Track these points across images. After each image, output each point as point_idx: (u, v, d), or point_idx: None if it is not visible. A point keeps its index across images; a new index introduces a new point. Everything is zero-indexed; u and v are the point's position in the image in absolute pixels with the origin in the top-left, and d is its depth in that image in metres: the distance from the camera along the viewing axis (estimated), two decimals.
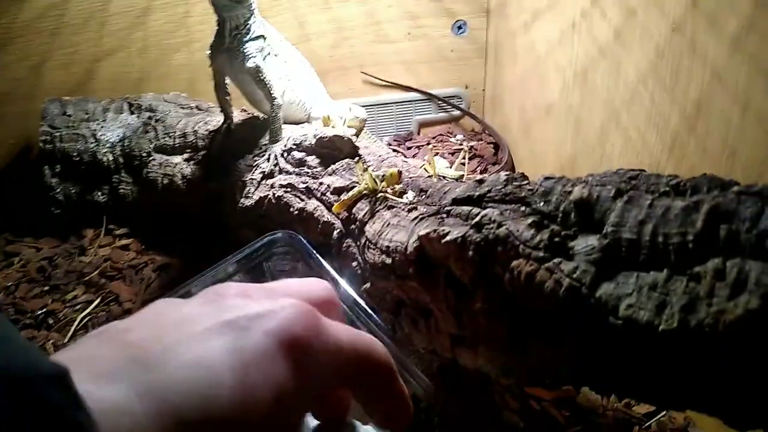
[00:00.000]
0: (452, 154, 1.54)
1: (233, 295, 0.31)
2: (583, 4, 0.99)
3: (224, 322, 0.27)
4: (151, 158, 1.15)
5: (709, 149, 0.71)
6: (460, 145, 1.58)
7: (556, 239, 0.53)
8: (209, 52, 0.99)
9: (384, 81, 1.57)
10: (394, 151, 1.53)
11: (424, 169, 0.80)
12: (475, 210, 0.64)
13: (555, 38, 1.12)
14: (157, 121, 1.19)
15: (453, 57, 1.57)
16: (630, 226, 0.50)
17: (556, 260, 0.52)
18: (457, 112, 1.64)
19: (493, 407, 0.81)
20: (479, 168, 1.47)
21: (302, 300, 0.30)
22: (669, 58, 0.77)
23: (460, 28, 1.54)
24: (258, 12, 0.98)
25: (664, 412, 0.85)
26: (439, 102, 1.62)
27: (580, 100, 1.03)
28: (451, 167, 0.97)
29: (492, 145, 1.55)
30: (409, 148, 1.59)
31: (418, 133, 1.66)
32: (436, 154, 0.84)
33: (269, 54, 0.99)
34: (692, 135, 0.74)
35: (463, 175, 0.94)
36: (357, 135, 1.09)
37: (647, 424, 0.83)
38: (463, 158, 0.87)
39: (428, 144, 1.59)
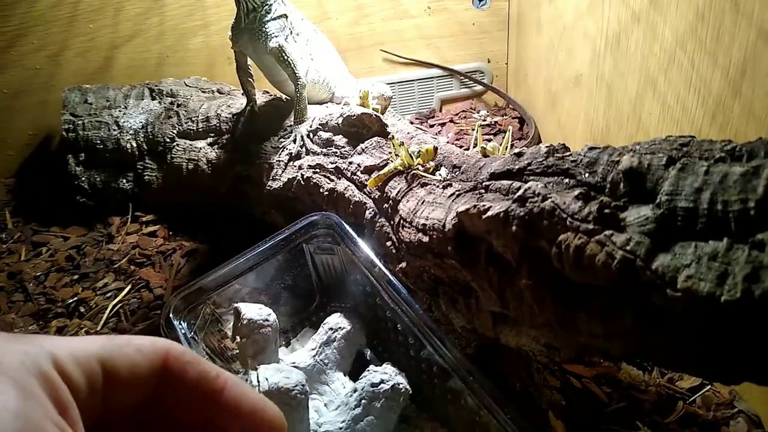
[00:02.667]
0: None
1: None
2: None
3: None
4: (174, 143, 1.14)
5: (756, 113, 0.68)
6: (484, 120, 1.55)
7: (606, 211, 0.51)
8: (231, 34, 0.97)
9: (404, 58, 1.54)
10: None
11: (473, 144, 0.78)
12: (516, 184, 0.62)
13: (583, 6, 1.08)
14: (179, 106, 1.18)
15: (474, 31, 1.54)
16: (686, 195, 0.48)
17: (607, 233, 0.50)
18: (479, 88, 1.61)
19: (534, 386, 0.80)
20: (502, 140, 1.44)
21: None
22: (710, 19, 0.74)
23: (481, 0, 1.50)
24: None
25: (708, 387, 0.83)
26: (461, 77, 1.59)
27: (612, 68, 1.00)
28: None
29: (517, 120, 1.52)
30: (431, 126, 1.56)
31: (440, 110, 1.63)
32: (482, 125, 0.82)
33: (291, 33, 0.97)
34: (737, 99, 0.71)
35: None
36: (382, 113, 1.07)
37: (692, 399, 0.81)
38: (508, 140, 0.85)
39: (451, 121, 1.56)
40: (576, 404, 0.79)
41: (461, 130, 1.52)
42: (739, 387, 0.82)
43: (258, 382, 0.67)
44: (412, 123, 1.56)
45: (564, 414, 0.78)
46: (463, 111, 1.61)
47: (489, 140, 1.47)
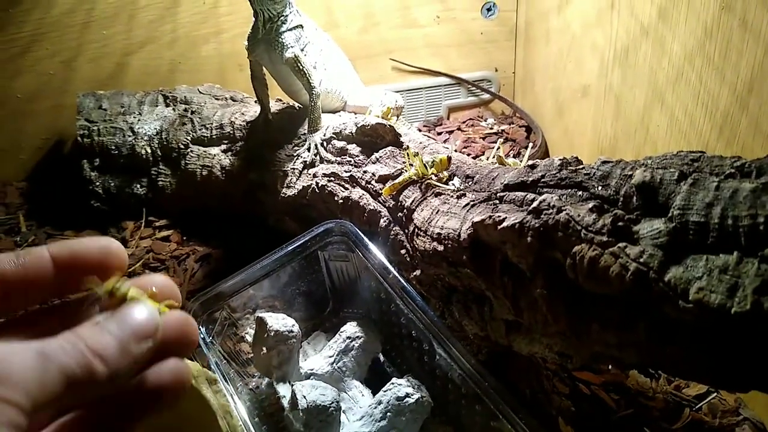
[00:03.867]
0: (483, 138, 1.53)
1: None
2: None
3: None
4: (188, 150, 1.16)
5: (763, 128, 0.70)
6: (491, 128, 1.57)
7: (620, 223, 0.53)
8: (247, 44, 0.99)
9: (412, 66, 1.56)
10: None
11: (506, 161, 0.80)
12: (531, 195, 0.64)
13: (592, 18, 1.10)
14: (193, 113, 1.20)
15: (482, 40, 1.56)
16: (697, 209, 0.50)
17: (620, 245, 0.52)
18: (486, 96, 1.63)
19: (543, 392, 0.82)
20: (512, 152, 1.46)
21: None
22: (718, 36, 0.76)
23: (489, 10, 1.52)
24: (294, 2, 0.98)
25: (714, 394, 0.85)
26: (469, 86, 1.61)
27: (620, 80, 1.02)
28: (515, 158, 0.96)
29: (524, 129, 1.54)
30: (439, 134, 1.58)
31: (448, 118, 1.65)
32: (504, 142, 0.84)
33: (306, 44, 0.99)
34: (744, 114, 0.72)
35: None
36: (395, 117, 1.09)
37: (698, 406, 0.83)
38: (531, 150, 0.87)
39: (458, 129, 1.58)
40: (585, 411, 0.81)
41: (469, 137, 1.53)
42: (744, 395, 0.84)
43: (296, 399, 0.69)
44: (420, 131, 1.58)
45: (573, 420, 0.79)
46: (471, 119, 1.63)
47: (498, 147, 1.49)
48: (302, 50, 0.97)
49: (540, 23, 1.39)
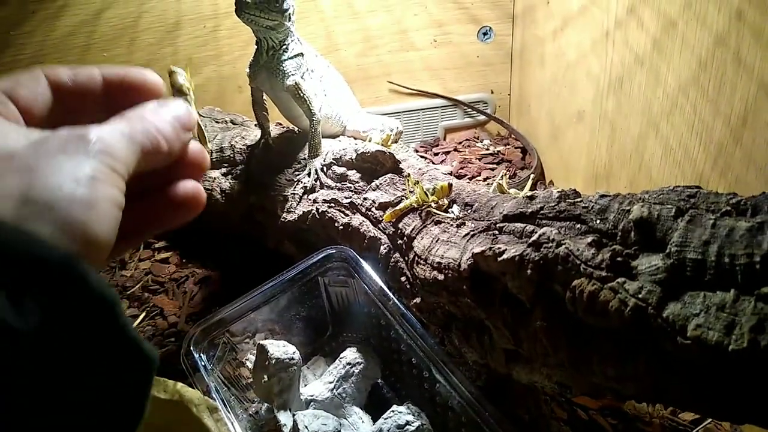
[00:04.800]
0: (480, 159, 1.54)
1: None
2: (618, 13, 0.99)
3: None
4: None
5: (756, 161, 0.72)
6: (487, 149, 1.59)
7: (618, 258, 0.54)
8: (249, 71, 1.00)
9: (410, 89, 1.58)
10: (422, 157, 1.54)
11: (506, 190, 0.81)
12: (530, 227, 0.65)
13: (587, 46, 1.12)
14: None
15: (478, 63, 1.58)
16: (694, 246, 0.51)
17: (619, 280, 0.53)
18: (482, 117, 1.65)
19: (542, 417, 0.82)
20: (508, 173, 1.48)
21: None
22: (712, 70, 0.77)
23: (485, 34, 1.54)
24: (295, 30, 1.00)
25: (709, 420, 0.85)
26: (465, 108, 1.63)
27: (615, 107, 1.03)
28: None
29: (519, 150, 1.56)
30: (436, 155, 1.60)
31: (444, 139, 1.67)
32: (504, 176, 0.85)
33: (307, 71, 1.00)
34: (738, 146, 0.74)
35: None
36: (393, 143, 1.10)
37: (694, 431, 0.84)
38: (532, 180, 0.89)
39: (455, 150, 1.60)
40: None
41: (465, 158, 1.55)
42: None
43: (298, 429, 0.70)
44: (417, 151, 1.60)
45: None
46: (467, 140, 1.65)
47: (493, 168, 1.51)
48: (303, 77, 0.99)
49: (535, 48, 1.41)
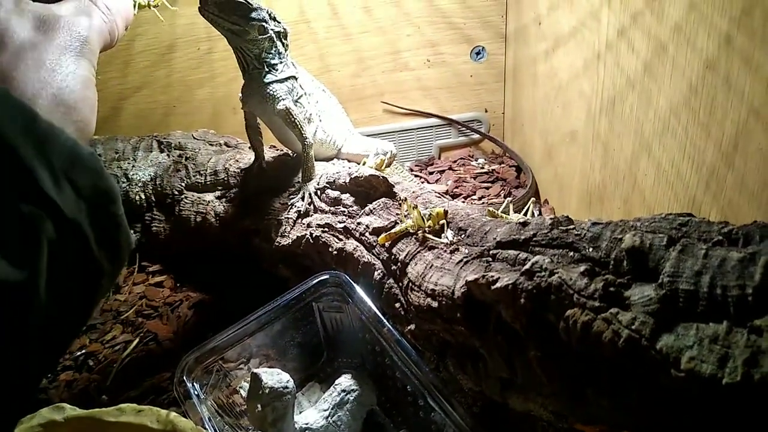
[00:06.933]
0: (475, 177, 1.55)
1: None
2: (609, 35, 1.00)
3: None
4: (182, 196, 1.17)
5: (748, 185, 0.72)
6: (482, 168, 1.59)
7: (611, 288, 0.54)
8: (241, 95, 1.01)
9: (403, 108, 1.59)
10: (416, 176, 1.55)
11: (499, 214, 0.81)
12: (523, 255, 0.65)
13: (579, 66, 1.13)
14: (187, 159, 1.21)
15: (472, 82, 1.59)
16: (686, 277, 0.51)
17: (612, 310, 0.53)
18: (477, 136, 1.65)
19: None
20: (503, 191, 1.48)
21: None
22: (703, 94, 0.78)
23: (478, 53, 1.55)
24: (288, 54, 1.00)
25: None
26: (459, 127, 1.63)
27: (608, 128, 1.04)
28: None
29: (514, 168, 1.56)
30: (431, 173, 1.60)
31: (439, 158, 1.67)
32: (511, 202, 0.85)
33: (303, 95, 1.00)
34: (730, 170, 0.74)
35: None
36: (387, 165, 1.10)
37: None
38: (533, 208, 0.89)
39: (450, 168, 1.60)
40: None
41: (460, 177, 1.55)
42: None
43: None
44: (411, 170, 1.60)
45: None
46: (462, 158, 1.65)
47: (487, 187, 1.51)
48: (296, 102, 0.99)
49: (527, 68, 1.42)
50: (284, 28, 0.98)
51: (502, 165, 1.59)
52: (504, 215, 0.82)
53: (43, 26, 0.46)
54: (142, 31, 1.39)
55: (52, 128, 0.37)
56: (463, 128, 1.64)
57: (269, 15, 0.95)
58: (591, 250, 0.60)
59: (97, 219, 0.39)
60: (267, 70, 0.97)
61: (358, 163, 1.09)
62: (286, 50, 1.00)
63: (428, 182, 1.55)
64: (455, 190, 1.50)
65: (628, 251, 0.55)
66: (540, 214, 1.19)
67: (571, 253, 0.61)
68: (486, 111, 1.64)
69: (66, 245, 0.37)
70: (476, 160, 1.64)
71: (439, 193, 0.95)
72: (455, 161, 1.64)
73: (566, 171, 1.26)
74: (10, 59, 0.43)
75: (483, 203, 1.42)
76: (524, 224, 0.68)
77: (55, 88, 0.44)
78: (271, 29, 0.95)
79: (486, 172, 1.57)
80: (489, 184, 1.52)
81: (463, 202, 1.46)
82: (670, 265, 0.52)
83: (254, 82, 0.97)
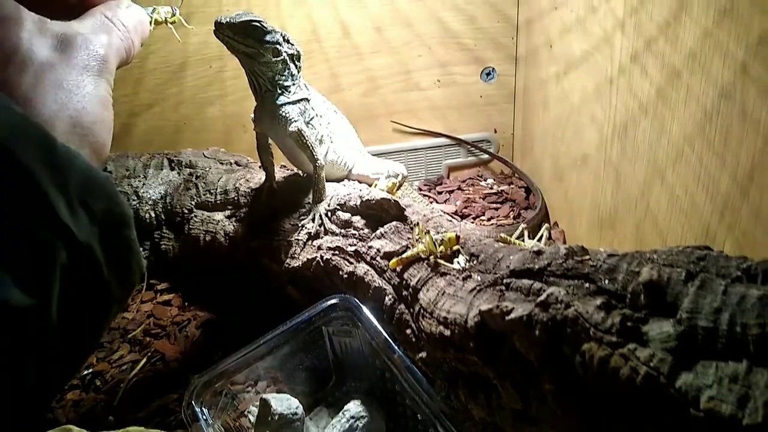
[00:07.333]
0: (484, 198, 1.54)
1: None
2: (621, 60, 1.00)
3: None
4: (192, 215, 1.17)
5: (764, 217, 0.71)
6: (491, 188, 1.59)
7: (629, 323, 0.54)
8: (253, 116, 1.01)
9: (413, 128, 1.59)
10: (425, 196, 1.54)
11: (512, 241, 0.81)
12: (537, 285, 0.64)
13: (590, 90, 1.13)
14: (197, 177, 1.21)
15: (482, 102, 1.59)
16: (705, 314, 0.50)
17: (630, 346, 0.52)
18: (486, 156, 1.65)
19: None
20: (512, 213, 1.48)
21: None
22: (717, 122, 0.77)
23: (488, 74, 1.56)
24: (301, 76, 1.00)
25: None
26: (468, 147, 1.63)
27: (620, 153, 1.03)
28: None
29: (523, 189, 1.56)
30: (439, 193, 1.60)
31: (448, 177, 1.67)
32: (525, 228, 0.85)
33: (315, 116, 1.00)
34: (745, 201, 0.74)
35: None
36: (398, 188, 1.10)
37: None
38: (547, 235, 0.88)
39: (459, 188, 1.60)
40: None
41: (469, 198, 1.55)
42: None
43: None
44: (420, 190, 1.60)
45: None
46: (471, 178, 1.65)
47: (496, 208, 1.51)
48: (308, 123, 0.99)
49: (538, 90, 1.42)
50: (297, 51, 0.99)
51: (511, 186, 1.59)
52: (518, 242, 0.81)
53: (62, 45, 0.46)
54: (154, 49, 1.40)
55: (69, 153, 0.38)
56: (473, 148, 1.64)
57: (283, 37, 0.95)
58: (607, 282, 0.59)
59: (109, 243, 0.40)
60: (280, 92, 0.97)
61: (369, 185, 1.09)
62: (298, 72, 1.00)
63: (437, 202, 1.55)
64: (464, 210, 1.50)
65: (646, 285, 0.55)
66: (550, 237, 1.18)
67: (587, 285, 0.60)
68: (495, 131, 1.64)
69: (78, 270, 0.37)
70: (485, 181, 1.63)
71: (449, 216, 0.95)
72: (464, 181, 1.64)
73: (577, 194, 1.25)
74: (30, 80, 0.43)
75: (492, 224, 1.42)
76: (538, 253, 0.68)
77: (72, 110, 0.44)
78: (285, 51, 0.95)
79: (495, 193, 1.57)
80: (498, 205, 1.52)
81: (472, 222, 1.46)
82: (688, 301, 0.52)
83: (267, 103, 0.97)
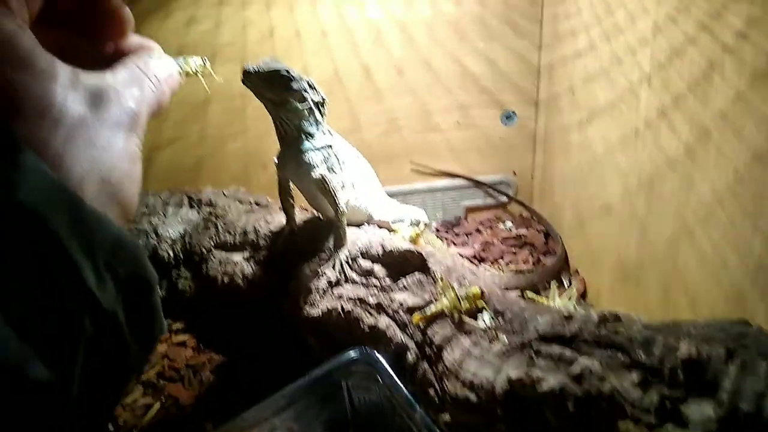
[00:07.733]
0: (502, 241, 1.53)
1: None
2: (648, 113, 0.99)
3: None
4: (211, 254, 1.16)
5: None
6: (509, 231, 1.58)
7: (668, 402, 0.52)
8: (276, 161, 1.01)
9: (431, 169, 1.59)
10: (443, 238, 1.53)
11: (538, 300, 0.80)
12: (568, 352, 0.63)
13: (615, 140, 1.12)
14: (217, 217, 1.20)
15: (501, 145, 1.59)
16: (747, 397, 0.49)
17: (669, 427, 0.51)
18: (504, 198, 1.64)
19: None
20: (530, 257, 1.46)
21: None
22: (750, 185, 0.76)
23: (509, 117, 1.56)
24: (325, 121, 1.00)
25: None
26: (487, 189, 1.62)
27: (645, 207, 1.02)
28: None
29: (542, 234, 1.54)
30: (457, 235, 1.59)
31: (466, 218, 1.66)
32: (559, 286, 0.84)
33: (337, 162, 1.00)
34: None
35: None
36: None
37: None
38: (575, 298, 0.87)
39: (477, 230, 1.59)
40: None
41: (487, 241, 1.54)
42: None
43: None
44: (438, 231, 1.59)
45: None
46: (489, 220, 1.64)
47: (515, 252, 1.49)
48: (331, 169, 0.98)
49: (560, 135, 1.42)
50: (323, 97, 0.99)
51: (530, 229, 1.58)
52: (543, 299, 0.80)
53: (95, 99, 0.45)
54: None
55: (98, 217, 0.37)
56: (491, 191, 1.63)
57: (308, 84, 0.96)
58: (643, 355, 0.57)
59: (132, 308, 0.39)
60: (305, 138, 0.97)
61: (389, 230, 1.08)
62: (323, 118, 1.00)
63: (454, 244, 1.54)
64: (482, 253, 1.49)
65: (685, 362, 0.53)
66: (575, 289, 1.16)
67: (621, 357, 0.59)
68: (515, 174, 1.63)
69: (102, 338, 0.36)
70: (504, 223, 1.62)
71: (472, 264, 0.94)
72: (482, 223, 1.63)
73: (599, 244, 1.24)
74: (63, 137, 0.42)
75: (511, 269, 1.40)
76: (568, 318, 0.66)
77: (103, 168, 0.43)
78: (311, 98, 0.96)
79: (514, 237, 1.55)
80: (517, 249, 1.50)
81: (491, 265, 1.44)
82: (729, 383, 0.50)
83: (291, 149, 0.97)
